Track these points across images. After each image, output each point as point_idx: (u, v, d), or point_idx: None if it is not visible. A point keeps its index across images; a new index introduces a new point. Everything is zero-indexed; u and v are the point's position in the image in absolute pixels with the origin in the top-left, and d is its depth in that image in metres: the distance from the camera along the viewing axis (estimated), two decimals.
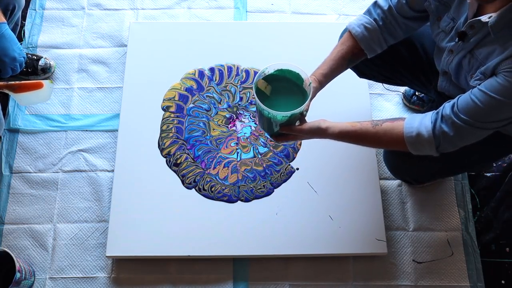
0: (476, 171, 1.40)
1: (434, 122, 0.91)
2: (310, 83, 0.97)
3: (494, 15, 0.83)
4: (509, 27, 0.83)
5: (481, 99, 0.84)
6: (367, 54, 1.09)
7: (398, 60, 1.20)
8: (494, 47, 0.85)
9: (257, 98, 0.96)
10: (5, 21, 1.13)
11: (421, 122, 0.92)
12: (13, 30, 1.27)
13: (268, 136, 1.21)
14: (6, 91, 1.08)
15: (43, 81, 1.12)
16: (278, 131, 1.03)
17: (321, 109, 1.40)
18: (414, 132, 0.92)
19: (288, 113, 0.95)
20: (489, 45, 0.86)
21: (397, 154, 1.15)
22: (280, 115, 0.95)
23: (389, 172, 1.38)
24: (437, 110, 0.92)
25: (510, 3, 0.80)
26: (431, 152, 0.93)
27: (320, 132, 1.01)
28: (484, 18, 0.85)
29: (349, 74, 1.44)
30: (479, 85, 0.86)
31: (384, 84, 1.51)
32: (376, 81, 1.36)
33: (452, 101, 0.90)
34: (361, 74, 1.29)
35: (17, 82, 1.10)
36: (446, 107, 0.90)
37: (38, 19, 1.60)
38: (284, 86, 1.02)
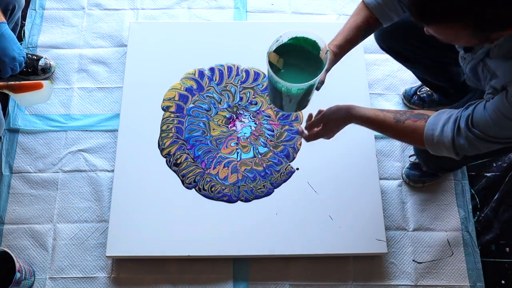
0: None
1: (453, 133, 0.87)
2: (328, 50, 0.90)
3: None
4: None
5: (492, 116, 0.82)
6: (382, 23, 1.04)
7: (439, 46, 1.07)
8: (502, 60, 0.82)
9: (270, 70, 0.89)
10: (5, 20, 1.13)
11: (442, 130, 0.89)
12: (13, 30, 1.27)
13: (282, 111, 1.09)
14: (6, 92, 1.08)
15: (43, 82, 1.12)
16: (294, 105, 0.98)
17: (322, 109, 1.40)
18: (435, 140, 0.89)
19: (304, 85, 0.87)
20: (496, 58, 0.84)
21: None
22: (295, 87, 0.88)
23: (389, 172, 1.39)
24: (456, 118, 0.88)
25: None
26: (452, 156, 0.91)
27: (343, 111, 0.98)
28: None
29: (349, 74, 1.44)
30: (492, 98, 0.83)
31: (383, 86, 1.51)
32: (417, 69, 1.28)
33: (468, 112, 0.86)
34: (405, 60, 1.24)
35: (17, 82, 1.10)
36: (462, 119, 0.86)
37: (38, 19, 1.60)
38: (297, 58, 0.95)
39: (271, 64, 0.92)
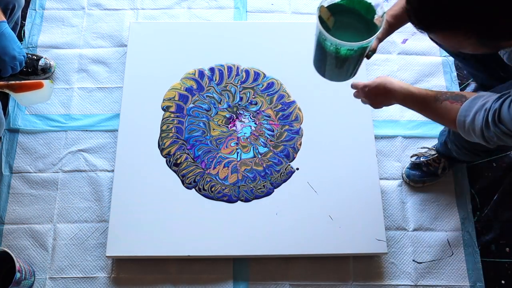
0: None
1: (482, 123, 0.85)
2: (384, 13, 0.83)
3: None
4: None
5: None
6: None
7: None
8: None
9: (319, 25, 0.81)
10: (5, 19, 1.13)
11: (474, 118, 0.86)
12: (13, 29, 1.27)
13: (325, 77, 1.01)
14: (7, 91, 1.08)
15: (43, 81, 1.11)
16: (340, 72, 0.91)
17: (321, 109, 1.40)
18: (467, 126, 0.88)
19: (355, 45, 0.81)
20: None
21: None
22: (345, 47, 0.82)
23: (389, 172, 1.39)
24: (487, 109, 0.85)
25: None
26: (483, 144, 0.89)
27: (382, 90, 0.95)
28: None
29: None
30: None
31: None
32: (466, 62, 1.24)
33: (497, 105, 0.83)
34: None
35: (17, 81, 1.10)
36: (491, 112, 0.84)
37: (38, 19, 1.60)
38: (349, 20, 0.87)
39: (321, 20, 0.83)
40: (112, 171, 1.36)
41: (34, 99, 1.13)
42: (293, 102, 1.41)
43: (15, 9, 1.25)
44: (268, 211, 1.27)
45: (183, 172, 1.31)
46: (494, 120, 0.83)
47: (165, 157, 1.33)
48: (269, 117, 1.39)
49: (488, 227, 1.35)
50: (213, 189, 1.30)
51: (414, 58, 1.55)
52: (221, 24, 1.58)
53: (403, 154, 1.42)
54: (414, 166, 1.37)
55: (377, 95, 0.99)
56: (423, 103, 0.94)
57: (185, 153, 1.34)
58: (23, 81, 1.10)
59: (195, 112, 1.39)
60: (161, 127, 1.37)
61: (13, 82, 1.09)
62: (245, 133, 1.37)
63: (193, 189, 1.30)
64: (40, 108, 1.46)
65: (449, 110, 0.90)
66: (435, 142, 1.40)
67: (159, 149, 1.34)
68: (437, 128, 1.44)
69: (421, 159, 1.36)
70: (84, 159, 1.40)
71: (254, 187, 1.30)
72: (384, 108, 1.47)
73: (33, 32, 1.57)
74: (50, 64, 1.49)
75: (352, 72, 0.97)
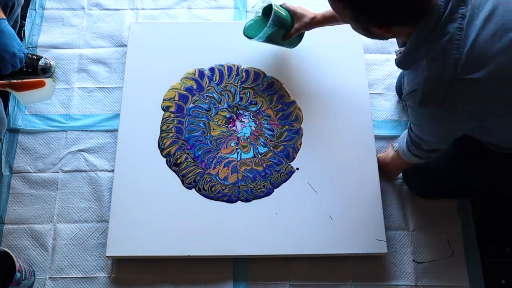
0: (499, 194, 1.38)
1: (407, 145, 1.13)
2: (273, 11, 1.24)
3: (402, 51, 0.93)
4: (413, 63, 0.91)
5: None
6: None
7: None
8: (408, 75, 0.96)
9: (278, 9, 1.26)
10: (4, 17, 1.13)
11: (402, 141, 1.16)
12: (13, 27, 1.27)
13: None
14: (8, 90, 1.07)
15: (45, 79, 1.11)
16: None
17: (321, 109, 1.40)
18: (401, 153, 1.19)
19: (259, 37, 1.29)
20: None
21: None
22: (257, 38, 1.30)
23: None
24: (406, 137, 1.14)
25: (408, 46, 0.89)
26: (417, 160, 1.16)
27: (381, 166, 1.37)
28: (397, 52, 0.98)
29: (349, 74, 1.44)
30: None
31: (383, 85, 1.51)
32: None
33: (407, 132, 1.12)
34: None
35: (19, 80, 1.09)
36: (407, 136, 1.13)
37: (38, 19, 1.60)
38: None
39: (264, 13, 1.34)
40: (112, 171, 1.36)
41: (36, 98, 1.12)
42: (293, 102, 1.41)
43: (14, 6, 1.25)
44: (268, 211, 1.27)
45: (183, 172, 1.31)
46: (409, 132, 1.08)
47: (165, 157, 1.33)
48: (269, 117, 1.39)
49: (488, 227, 1.35)
50: (213, 189, 1.30)
51: None
52: (221, 24, 1.58)
53: None
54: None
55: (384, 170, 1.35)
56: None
57: (185, 153, 1.34)
58: (25, 80, 1.09)
59: (195, 112, 1.39)
60: (161, 127, 1.37)
61: (15, 80, 1.08)
62: (245, 133, 1.37)
63: (193, 189, 1.30)
64: (40, 108, 1.46)
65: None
66: None
67: (159, 149, 1.34)
68: None
69: None
70: (84, 159, 1.40)
71: (254, 187, 1.30)
72: (384, 108, 1.48)
73: (33, 32, 1.57)
74: (50, 64, 1.49)
75: (279, 43, 1.37)
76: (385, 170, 1.34)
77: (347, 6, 0.83)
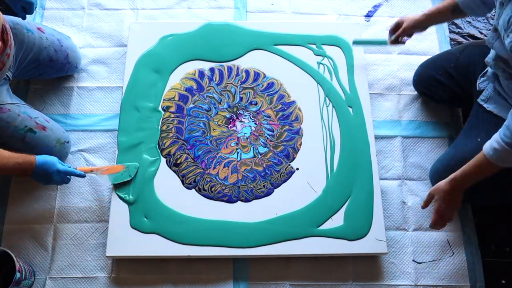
0: None
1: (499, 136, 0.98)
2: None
3: None
4: None
5: None
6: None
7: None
8: None
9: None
10: None
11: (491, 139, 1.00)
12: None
13: None
14: (94, 174, 1.28)
15: (124, 164, 1.30)
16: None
17: (321, 109, 1.40)
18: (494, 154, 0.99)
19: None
20: None
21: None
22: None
23: (389, 172, 1.39)
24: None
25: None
26: None
27: (443, 183, 1.08)
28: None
29: (349, 75, 1.44)
30: None
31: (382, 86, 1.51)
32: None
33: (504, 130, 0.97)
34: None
35: (102, 166, 1.31)
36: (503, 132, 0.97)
37: (38, 19, 1.60)
38: None
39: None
40: None
41: (119, 178, 1.29)
42: (293, 102, 1.41)
43: None
44: (268, 211, 1.27)
45: (183, 172, 1.31)
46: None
47: (165, 157, 1.33)
48: (269, 117, 1.39)
49: (488, 227, 1.35)
50: (213, 189, 1.30)
51: (414, 58, 1.55)
52: (221, 24, 1.58)
53: (403, 154, 1.42)
54: None
55: (440, 192, 1.09)
56: (482, 167, 1.03)
57: (185, 153, 1.34)
58: (106, 166, 1.31)
59: (195, 112, 1.39)
60: (161, 127, 1.37)
61: (98, 166, 1.31)
62: (245, 133, 1.37)
63: (193, 189, 1.30)
64: (39, 108, 1.46)
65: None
66: (434, 142, 1.41)
67: (159, 149, 1.34)
68: (435, 130, 1.44)
69: None
70: (84, 159, 1.40)
71: (254, 187, 1.30)
72: (384, 108, 1.48)
73: None
74: None
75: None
76: (456, 194, 1.10)
77: None
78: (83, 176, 1.24)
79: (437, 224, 1.12)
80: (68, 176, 1.21)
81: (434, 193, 1.11)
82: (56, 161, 1.17)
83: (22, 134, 1.22)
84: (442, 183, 1.09)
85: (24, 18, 1.22)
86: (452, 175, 1.07)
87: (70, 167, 1.21)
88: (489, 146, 1.00)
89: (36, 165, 1.13)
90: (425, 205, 1.15)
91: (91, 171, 1.26)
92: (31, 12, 1.21)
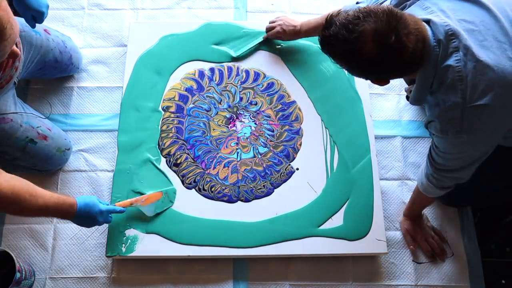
0: None
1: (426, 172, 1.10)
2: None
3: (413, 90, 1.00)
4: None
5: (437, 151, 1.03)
6: None
7: None
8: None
9: None
10: None
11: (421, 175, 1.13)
12: None
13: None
14: (135, 205, 1.22)
15: (162, 191, 1.27)
16: None
17: (321, 109, 1.40)
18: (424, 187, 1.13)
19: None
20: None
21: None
22: None
23: (389, 172, 1.39)
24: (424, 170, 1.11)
25: (416, 87, 0.97)
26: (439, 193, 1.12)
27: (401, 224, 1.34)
28: (407, 90, 1.07)
29: (349, 75, 1.44)
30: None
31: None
32: None
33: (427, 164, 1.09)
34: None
35: (141, 196, 1.25)
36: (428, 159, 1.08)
37: None
38: None
39: None
40: (112, 171, 1.36)
41: (160, 207, 1.26)
42: (293, 102, 1.41)
43: None
44: (268, 211, 1.27)
45: (183, 172, 1.31)
46: (430, 162, 1.05)
47: (165, 157, 1.33)
48: (269, 117, 1.39)
49: (488, 227, 1.35)
50: (213, 189, 1.30)
51: None
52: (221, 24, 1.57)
53: (403, 154, 1.42)
54: None
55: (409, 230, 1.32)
56: (419, 198, 1.21)
57: (185, 153, 1.34)
58: (145, 195, 1.26)
59: (195, 112, 1.39)
60: (161, 127, 1.37)
61: (136, 198, 1.24)
62: (245, 133, 1.37)
63: (193, 189, 1.30)
64: (40, 108, 1.45)
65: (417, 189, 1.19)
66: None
67: (159, 149, 1.34)
68: None
69: None
70: (84, 159, 1.40)
71: (254, 187, 1.30)
72: (384, 108, 1.48)
73: None
74: None
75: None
76: (415, 218, 1.30)
77: (351, 73, 1.00)
78: (123, 212, 1.19)
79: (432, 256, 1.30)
80: (110, 215, 1.17)
81: (404, 231, 1.31)
82: (96, 200, 1.12)
83: (23, 145, 1.22)
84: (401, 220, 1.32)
85: (33, 27, 1.21)
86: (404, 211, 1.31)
87: (108, 204, 1.17)
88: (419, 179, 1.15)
89: (77, 209, 1.07)
90: (411, 246, 1.31)
91: (131, 204, 1.22)
92: (41, 22, 1.20)
